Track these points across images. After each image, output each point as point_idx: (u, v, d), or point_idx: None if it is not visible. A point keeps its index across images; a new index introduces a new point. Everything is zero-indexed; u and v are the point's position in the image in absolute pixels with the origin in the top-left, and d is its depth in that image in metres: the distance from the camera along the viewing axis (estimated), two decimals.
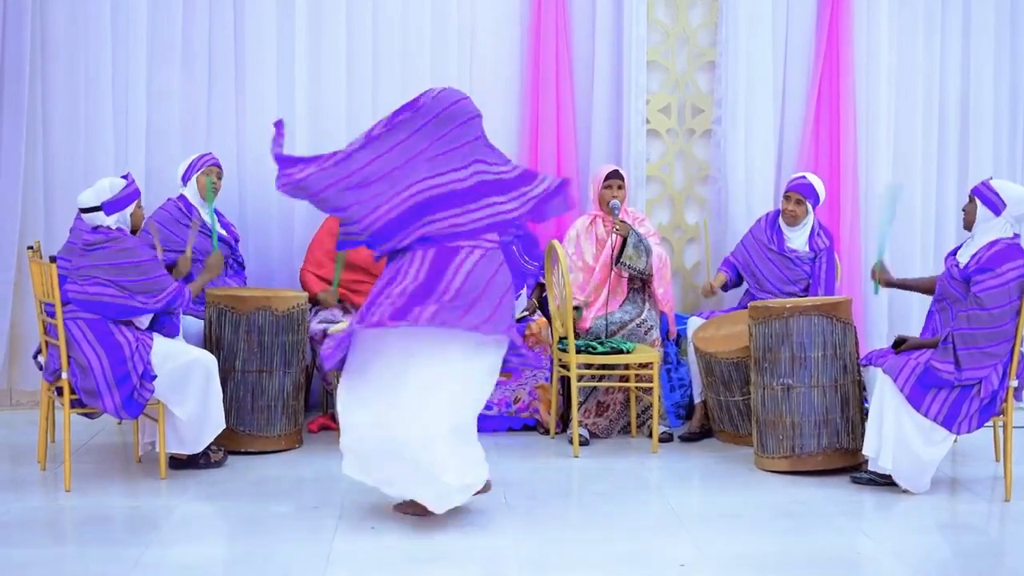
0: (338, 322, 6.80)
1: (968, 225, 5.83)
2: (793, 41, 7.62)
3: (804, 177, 6.91)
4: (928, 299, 6.15)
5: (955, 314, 5.70)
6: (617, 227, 6.72)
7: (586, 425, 6.70)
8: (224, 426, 5.97)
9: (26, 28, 7.15)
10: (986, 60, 7.73)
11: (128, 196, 5.84)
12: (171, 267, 6.32)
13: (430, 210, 5.11)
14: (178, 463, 5.97)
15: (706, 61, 7.69)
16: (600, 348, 6.48)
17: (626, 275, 6.84)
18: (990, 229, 5.74)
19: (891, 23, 7.61)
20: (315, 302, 6.91)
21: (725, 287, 7.12)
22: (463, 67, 7.53)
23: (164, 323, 5.95)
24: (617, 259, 6.73)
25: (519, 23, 7.54)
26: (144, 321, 5.86)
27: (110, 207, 5.80)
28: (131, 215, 5.88)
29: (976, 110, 7.75)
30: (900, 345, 5.81)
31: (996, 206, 5.73)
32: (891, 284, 6.32)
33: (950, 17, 7.70)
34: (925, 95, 7.71)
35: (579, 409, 6.62)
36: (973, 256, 5.72)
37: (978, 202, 5.76)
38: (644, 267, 6.77)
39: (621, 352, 6.45)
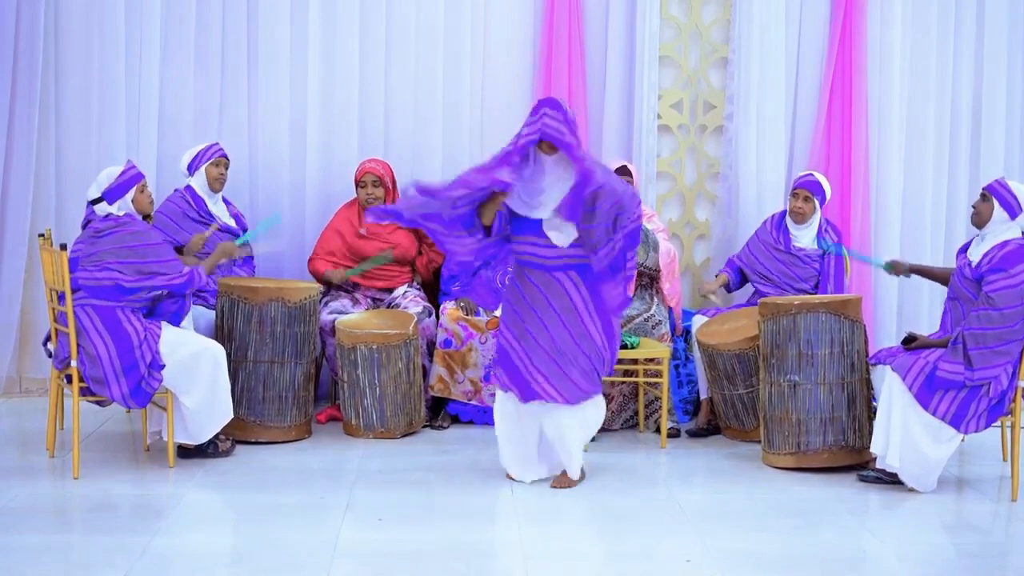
0: (348, 314, 6.82)
1: (980, 224, 5.81)
2: (806, 39, 7.62)
3: (811, 175, 6.91)
4: (941, 292, 6.13)
5: (965, 313, 5.70)
6: None
7: None
8: (231, 417, 5.99)
9: (40, 18, 7.16)
10: (999, 60, 7.72)
11: (126, 182, 5.84)
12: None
13: None
14: (186, 452, 5.99)
15: (719, 57, 7.68)
16: None
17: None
18: (1004, 231, 5.73)
19: (904, 22, 7.60)
20: (324, 282, 6.92)
21: (728, 288, 7.12)
22: (476, 62, 7.54)
23: (168, 308, 5.95)
24: None
25: (532, 18, 7.54)
26: (151, 295, 5.85)
27: (111, 195, 5.81)
28: (135, 200, 5.86)
29: (988, 111, 7.73)
30: (910, 342, 5.80)
31: (1013, 208, 5.72)
32: (912, 271, 6.31)
33: (963, 17, 7.68)
34: (937, 94, 7.70)
35: None
36: (985, 256, 5.71)
37: (995, 202, 5.74)
38: (650, 262, 6.77)
39: (626, 347, 6.45)
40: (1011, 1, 7.70)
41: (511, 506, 5.47)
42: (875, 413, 5.85)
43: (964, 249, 5.93)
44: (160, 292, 5.83)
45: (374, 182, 7.03)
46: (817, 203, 6.86)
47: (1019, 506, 5.64)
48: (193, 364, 5.82)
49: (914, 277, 6.49)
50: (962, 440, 5.92)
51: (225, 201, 6.91)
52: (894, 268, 6.36)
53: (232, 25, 7.40)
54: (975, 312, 5.61)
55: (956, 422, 5.62)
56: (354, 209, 7.14)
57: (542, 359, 5.60)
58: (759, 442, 6.30)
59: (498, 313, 6.33)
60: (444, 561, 4.79)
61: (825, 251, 6.75)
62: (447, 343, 6.73)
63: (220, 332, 6.34)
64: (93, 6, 7.27)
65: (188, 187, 6.77)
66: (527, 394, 5.64)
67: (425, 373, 6.78)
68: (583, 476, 5.83)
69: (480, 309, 6.76)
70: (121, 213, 5.83)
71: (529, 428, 5.73)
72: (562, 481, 5.78)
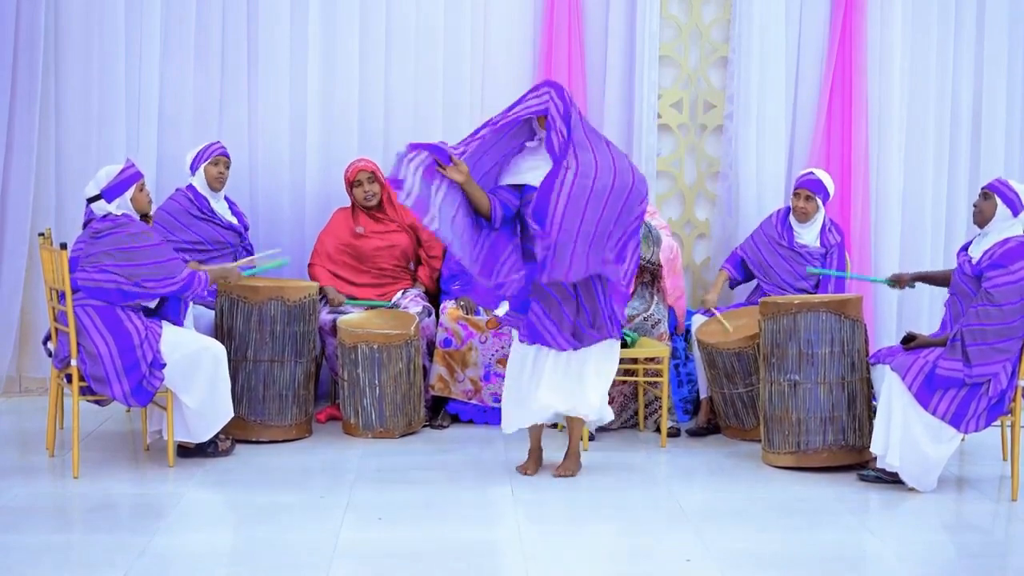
0: (348, 313, 6.82)
1: (983, 222, 5.81)
2: (806, 39, 7.62)
3: (812, 173, 6.91)
4: (941, 292, 6.14)
5: (964, 310, 5.71)
6: None
7: None
8: (232, 415, 5.99)
9: (40, 18, 7.16)
10: (999, 61, 7.72)
11: (125, 180, 5.83)
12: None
13: None
14: (186, 451, 5.99)
15: (718, 57, 7.68)
16: None
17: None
18: (1006, 228, 5.74)
19: (904, 22, 7.60)
20: (323, 295, 6.92)
21: (731, 284, 7.12)
22: (476, 62, 7.55)
23: (169, 309, 5.95)
24: None
25: (532, 18, 7.54)
26: (151, 303, 5.87)
27: (109, 193, 5.80)
28: (134, 199, 5.85)
29: (988, 111, 7.73)
30: (909, 341, 5.81)
31: (1016, 205, 5.72)
32: (914, 280, 6.34)
33: (963, 18, 7.68)
34: (937, 94, 7.70)
35: None
36: (985, 252, 5.71)
37: (998, 200, 5.75)
38: (653, 257, 6.77)
39: (625, 343, 6.44)
40: (1011, 1, 7.70)
41: (511, 506, 5.47)
42: (875, 412, 5.85)
43: (965, 247, 5.93)
44: (160, 298, 5.85)
45: (369, 178, 7.02)
46: (820, 201, 6.87)
47: (1019, 506, 5.64)
48: (193, 363, 5.82)
49: (917, 283, 6.49)
50: (962, 440, 5.93)
51: (228, 200, 6.91)
52: (897, 282, 6.37)
53: (232, 25, 7.40)
54: (974, 308, 5.61)
55: (956, 421, 5.62)
56: (348, 212, 7.14)
57: (555, 312, 5.68)
58: (759, 441, 6.30)
59: (498, 312, 6.34)
60: (444, 561, 4.79)
61: (820, 275, 6.76)
62: (447, 342, 6.73)
63: (220, 331, 6.34)
64: (93, 6, 7.27)
65: (190, 186, 6.78)
66: (534, 337, 5.72)
67: (425, 373, 6.78)
68: (580, 466, 5.88)
69: (480, 308, 6.76)
70: (120, 212, 5.82)
71: (534, 371, 5.78)
72: (564, 468, 5.83)
